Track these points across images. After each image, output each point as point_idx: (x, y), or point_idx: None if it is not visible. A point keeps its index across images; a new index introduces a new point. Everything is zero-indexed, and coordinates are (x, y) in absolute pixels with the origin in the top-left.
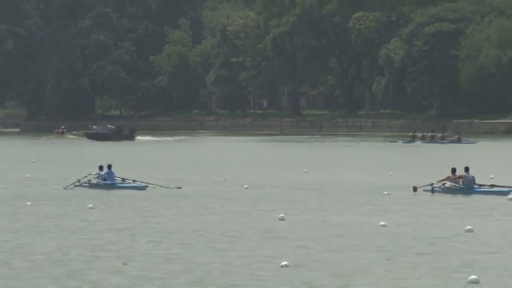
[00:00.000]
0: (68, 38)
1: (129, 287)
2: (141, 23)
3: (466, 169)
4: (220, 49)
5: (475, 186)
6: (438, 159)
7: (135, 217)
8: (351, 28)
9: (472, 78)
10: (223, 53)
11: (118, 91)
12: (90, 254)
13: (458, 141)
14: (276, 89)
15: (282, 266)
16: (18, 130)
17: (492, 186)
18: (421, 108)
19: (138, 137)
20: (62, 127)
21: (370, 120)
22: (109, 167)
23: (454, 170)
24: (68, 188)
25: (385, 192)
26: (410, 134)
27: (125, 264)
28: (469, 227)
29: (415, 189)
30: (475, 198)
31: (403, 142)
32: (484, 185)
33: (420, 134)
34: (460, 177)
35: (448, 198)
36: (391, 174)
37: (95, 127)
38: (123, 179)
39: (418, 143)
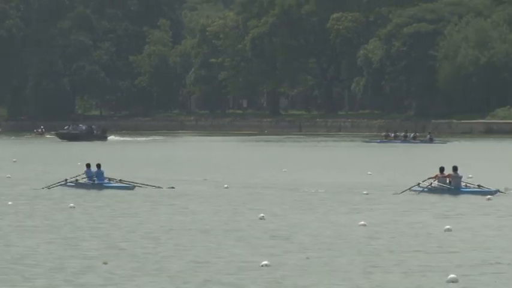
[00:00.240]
0: (48, 38)
1: (109, 286)
2: (120, 23)
3: (455, 168)
4: (199, 49)
5: (462, 186)
6: (413, 158)
7: (114, 216)
8: (330, 28)
9: (450, 78)
10: (202, 53)
11: (98, 91)
12: (70, 253)
13: (430, 141)
14: (256, 89)
15: (262, 266)
16: (0, 130)
17: (479, 186)
18: (399, 108)
19: (110, 137)
20: (41, 127)
21: (349, 120)
22: (98, 166)
23: (442, 169)
24: (51, 187)
25: (364, 192)
26: (384, 133)
27: (105, 263)
28: (447, 227)
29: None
30: (456, 198)
31: (377, 142)
32: (470, 185)
33: (393, 134)
34: (449, 176)
35: (431, 197)
36: (370, 174)
37: (66, 127)
38: (110, 179)
39: (391, 142)
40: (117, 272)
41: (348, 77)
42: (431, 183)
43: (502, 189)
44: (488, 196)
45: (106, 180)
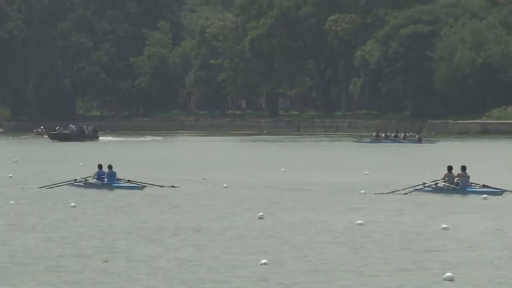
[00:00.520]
0: (49, 40)
1: (110, 284)
2: (120, 25)
3: (463, 168)
4: (199, 51)
5: (468, 186)
6: (404, 158)
7: (115, 215)
8: (327, 30)
9: (446, 79)
10: (202, 55)
11: (98, 92)
12: (70, 251)
13: (419, 141)
14: (254, 89)
15: (261, 264)
16: (2, 130)
17: (484, 186)
18: (396, 109)
19: (101, 137)
20: (41, 127)
21: (347, 120)
22: (109, 167)
23: (450, 168)
24: (58, 185)
25: (362, 191)
26: (375, 134)
27: (105, 261)
28: (444, 225)
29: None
30: (458, 197)
31: (367, 142)
32: (475, 185)
33: (383, 134)
34: (458, 176)
35: (432, 197)
36: (367, 174)
37: (57, 128)
38: (118, 179)
39: (381, 142)
40: (116, 270)
41: (346, 78)
42: (436, 183)
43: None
44: (485, 195)
45: (116, 181)
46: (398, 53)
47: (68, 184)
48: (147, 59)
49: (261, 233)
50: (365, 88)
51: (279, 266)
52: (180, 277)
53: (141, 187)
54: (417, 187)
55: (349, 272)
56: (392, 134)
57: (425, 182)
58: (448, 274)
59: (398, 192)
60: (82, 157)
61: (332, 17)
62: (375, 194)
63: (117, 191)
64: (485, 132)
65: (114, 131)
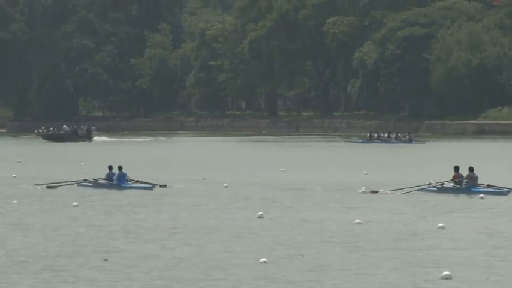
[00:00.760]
0: (52, 41)
1: (109, 283)
2: (122, 27)
3: (471, 169)
4: (199, 52)
5: (474, 186)
6: (398, 158)
7: (116, 215)
8: (326, 32)
9: (442, 80)
10: (202, 56)
11: (100, 93)
12: (71, 249)
13: (410, 141)
14: (254, 90)
15: (261, 263)
16: (5, 131)
17: (488, 186)
18: (394, 109)
19: (95, 138)
20: (42, 128)
21: (345, 121)
22: (120, 168)
23: (457, 169)
24: (67, 184)
25: (360, 191)
26: (368, 134)
27: (105, 260)
28: (441, 224)
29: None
30: (454, 197)
31: (359, 142)
32: (480, 185)
33: (376, 134)
34: (466, 177)
35: (433, 197)
36: (366, 173)
37: (51, 128)
38: (128, 180)
39: (373, 142)
40: (116, 269)
41: (344, 79)
42: (442, 183)
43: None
44: (481, 195)
45: (131, 182)
46: (395, 55)
47: (76, 184)
48: (148, 60)
49: (260, 232)
50: (363, 89)
51: (278, 265)
52: (178, 276)
53: (151, 187)
54: (423, 187)
55: (346, 271)
56: (386, 135)
57: (431, 182)
58: (446, 273)
59: (403, 192)
60: (80, 157)
61: (330, 20)
62: (380, 192)
63: (124, 191)
64: (482, 132)
65: (115, 131)
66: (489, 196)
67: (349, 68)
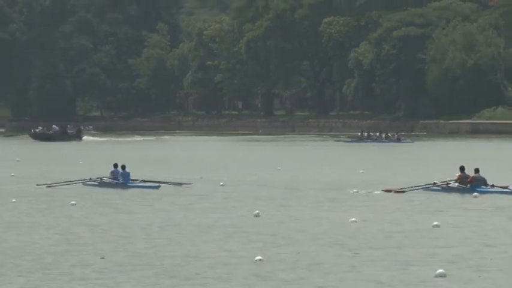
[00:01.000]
0: (51, 42)
1: (106, 280)
2: (120, 27)
3: (476, 170)
4: (196, 52)
5: (479, 186)
6: (391, 157)
7: (113, 213)
8: (322, 32)
9: (438, 80)
10: (199, 56)
11: (98, 93)
12: (68, 247)
13: (398, 140)
14: (250, 90)
15: (256, 261)
16: (4, 130)
17: (492, 186)
18: (389, 109)
19: (85, 138)
20: (40, 127)
21: (341, 120)
22: (123, 167)
23: (462, 169)
24: (72, 183)
25: (355, 190)
26: (359, 133)
27: (102, 258)
28: (436, 223)
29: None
30: (451, 196)
31: (348, 141)
32: (486, 186)
33: (366, 134)
34: (472, 179)
35: (432, 196)
36: (361, 172)
37: (40, 128)
38: (133, 180)
39: (362, 141)
40: (113, 267)
41: (340, 79)
42: (447, 183)
43: None
44: (475, 194)
45: (135, 181)
46: (391, 55)
47: (81, 182)
48: (145, 60)
49: (256, 230)
50: (358, 89)
51: (274, 262)
52: (175, 273)
53: (157, 186)
54: (427, 186)
55: (340, 268)
56: (376, 134)
57: (435, 181)
58: (440, 271)
59: (407, 190)
60: (69, 157)
61: (327, 20)
62: (382, 191)
63: (127, 190)
64: (476, 132)
65: (113, 131)
66: (493, 196)
67: (345, 68)
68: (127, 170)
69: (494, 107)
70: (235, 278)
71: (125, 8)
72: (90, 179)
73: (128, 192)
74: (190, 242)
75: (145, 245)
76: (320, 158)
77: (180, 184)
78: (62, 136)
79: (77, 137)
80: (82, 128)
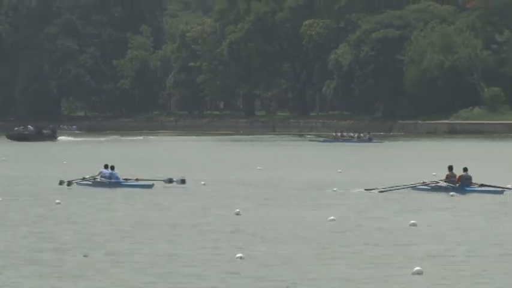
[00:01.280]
0: (36, 43)
1: (89, 277)
2: (105, 29)
3: (465, 169)
4: (179, 54)
5: (467, 185)
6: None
7: (95, 212)
8: (302, 34)
9: (416, 81)
10: (182, 58)
11: (83, 93)
12: (52, 245)
13: (369, 140)
14: (232, 91)
15: (237, 258)
16: None
17: (482, 185)
18: (368, 110)
19: (60, 137)
20: (22, 127)
21: (321, 121)
22: (112, 168)
23: (451, 168)
24: (65, 184)
25: (334, 189)
26: (334, 134)
27: (85, 256)
28: (413, 221)
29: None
30: (428, 195)
31: (320, 141)
32: (474, 184)
33: (340, 134)
34: (461, 176)
35: (410, 195)
36: (340, 172)
37: (16, 128)
38: (126, 179)
39: (335, 141)
40: (95, 264)
41: (320, 80)
42: (436, 182)
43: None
44: (452, 193)
45: (122, 180)
46: (370, 56)
47: (77, 182)
48: (129, 61)
49: (237, 228)
50: (338, 90)
51: (254, 260)
52: (157, 271)
53: (151, 185)
54: (416, 185)
55: (319, 266)
56: (350, 134)
57: (425, 181)
58: (417, 268)
59: (394, 189)
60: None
61: (307, 22)
62: (366, 190)
63: (115, 190)
64: (453, 132)
65: (97, 131)
66: (481, 195)
67: (325, 69)
68: (115, 171)
69: (471, 108)
70: (216, 275)
71: (110, 10)
72: (84, 178)
73: (118, 191)
74: (171, 240)
75: (127, 243)
76: (298, 157)
77: (171, 181)
78: (37, 136)
79: (52, 137)
80: (66, 127)
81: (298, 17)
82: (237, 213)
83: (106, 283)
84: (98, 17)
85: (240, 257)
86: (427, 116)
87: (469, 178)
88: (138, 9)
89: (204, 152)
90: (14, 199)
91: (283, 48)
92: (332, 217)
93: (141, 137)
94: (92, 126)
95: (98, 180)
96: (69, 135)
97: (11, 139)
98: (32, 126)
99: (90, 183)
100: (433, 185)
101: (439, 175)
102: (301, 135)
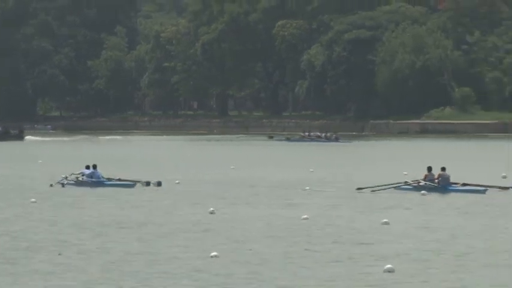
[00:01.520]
0: (12, 44)
1: (62, 275)
2: (80, 30)
3: (443, 169)
4: (153, 54)
5: (449, 185)
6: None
7: (69, 211)
8: (275, 35)
9: (387, 81)
10: (156, 58)
11: (58, 94)
12: (26, 244)
13: (336, 140)
14: (206, 91)
15: (212, 257)
16: None
17: (464, 184)
18: (340, 110)
19: (27, 137)
20: None
21: (293, 120)
22: (94, 167)
23: (430, 169)
24: (54, 185)
25: (307, 188)
26: (301, 134)
27: (59, 254)
28: (385, 220)
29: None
30: (400, 194)
31: (291, 140)
32: (456, 184)
33: (307, 133)
34: (439, 176)
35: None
36: (312, 171)
37: None
38: (109, 179)
39: (302, 141)
40: (69, 262)
41: (292, 80)
42: (418, 182)
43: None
44: (423, 191)
45: (104, 179)
46: (342, 57)
47: (60, 182)
48: (104, 62)
49: (211, 227)
50: (310, 90)
51: (228, 258)
52: (131, 269)
53: (133, 184)
54: (398, 185)
55: (293, 264)
56: (317, 134)
57: (407, 180)
58: (388, 266)
59: (377, 190)
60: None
61: (280, 23)
62: (355, 190)
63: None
64: (425, 131)
65: (72, 130)
66: (462, 194)
67: (297, 69)
68: (97, 169)
69: (442, 108)
70: (190, 273)
71: (84, 11)
72: (66, 177)
73: (99, 190)
74: (146, 238)
75: (101, 242)
76: (270, 157)
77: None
78: (3, 136)
79: (19, 137)
80: (41, 127)
81: (271, 18)
82: (211, 212)
83: (79, 281)
84: (72, 18)
85: (215, 256)
86: (399, 116)
87: (447, 177)
88: (112, 10)
89: (178, 152)
90: None
91: (256, 48)
92: (305, 216)
93: (112, 137)
94: (67, 126)
95: (80, 179)
96: (38, 135)
97: None
98: None
99: (72, 182)
100: (415, 184)
101: (411, 174)
102: (270, 137)
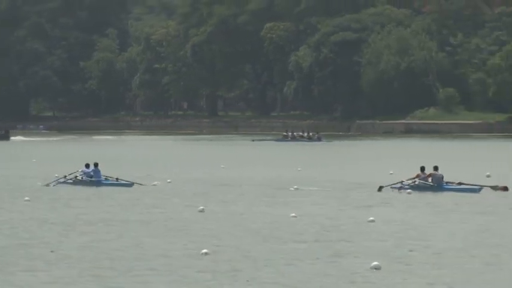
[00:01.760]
0: (6, 45)
1: (55, 271)
2: (72, 32)
3: (435, 168)
4: (144, 56)
5: (444, 184)
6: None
7: (61, 210)
8: (264, 37)
9: (373, 82)
10: (147, 60)
11: (51, 94)
12: (18, 242)
13: (318, 139)
14: (196, 92)
15: (202, 254)
16: None
17: (460, 184)
18: (327, 110)
19: (12, 137)
20: None
21: (281, 120)
22: (95, 165)
23: (423, 169)
24: (51, 184)
25: (295, 186)
26: (284, 133)
27: (52, 251)
28: (371, 218)
29: (380, 188)
30: (384, 193)
31: (275, 140)
32: (452, 183)
33: (290, 133)
34: (430, 175)
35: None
36: (299, 170)
37: None
38: (106, 177)
39: (285, 141)
40: (63, 259)
41: (280, 81)
42: (414, 181)
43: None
44: (408, 190)
45: (103, 178)
46: (328, 58)
47: (58, 182)
48: (96, 63)
49: (202, 225)
50: (298, 91)
51: (219, 256)
52: (122, 266)
53: (130, 184)
54: (395, 185)
55: (278, 261)
56: (300, 134)
57: (403, 180)
58: (375, 263)
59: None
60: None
61: (268, 25)
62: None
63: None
64: (410, 131)
65: (65, 130)
66: (459, 194)
67: (285, 70)
68: (98, 168)
69: (427, 108)
70: (182, 270)
71: (76, 14)
72: (65, 177)
73: (97, 189)
74: (136, 236)
75: (93, 239)
76: (259, 156)
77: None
78: None
79: (5, 137)
80: (33, 127)
81: (260, 20)
82: (201, 210)
83: (71, 278)
84: (65, 20)
85: (206, 253)
86: (384, 116)
87: (439, 177)
88: (103, 12)
89: (169, 151)
90: None
91: (245, 50)
92: (293, 214)
93: (104, 137)
94: (60, 126)
95: (79, 178)
96: (27, 135)
97: None
98: None
99: (71, 181)
100: (412, 183)
101: (397, 174)
102: (253, 140)
